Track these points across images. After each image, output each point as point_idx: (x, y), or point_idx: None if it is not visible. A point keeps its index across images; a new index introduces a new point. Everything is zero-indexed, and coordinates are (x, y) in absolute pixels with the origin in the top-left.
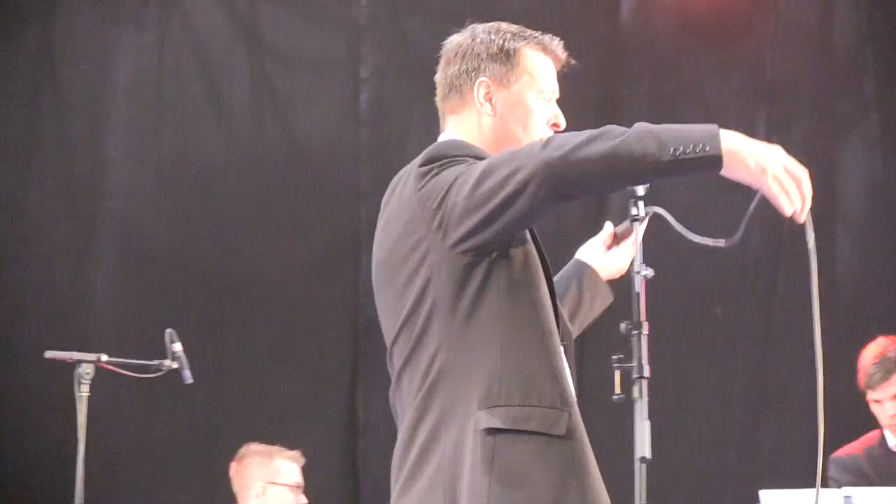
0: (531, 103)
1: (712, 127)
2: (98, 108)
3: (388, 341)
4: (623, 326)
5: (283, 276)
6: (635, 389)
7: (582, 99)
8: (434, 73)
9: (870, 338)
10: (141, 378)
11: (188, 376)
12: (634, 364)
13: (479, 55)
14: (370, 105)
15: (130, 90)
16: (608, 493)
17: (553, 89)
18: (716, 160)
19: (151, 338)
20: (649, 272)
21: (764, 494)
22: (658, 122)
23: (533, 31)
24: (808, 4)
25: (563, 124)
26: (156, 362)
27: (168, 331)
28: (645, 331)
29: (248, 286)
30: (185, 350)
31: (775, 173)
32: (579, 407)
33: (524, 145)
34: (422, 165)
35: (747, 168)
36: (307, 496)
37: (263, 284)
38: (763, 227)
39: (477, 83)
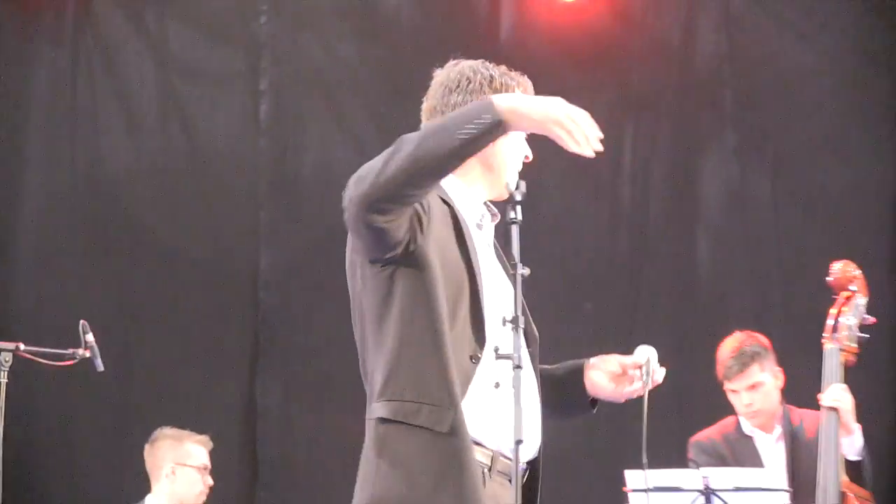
0: (517, 140)
1: (486, 98)
2: (17, 116)
3: None
4: (501, 320)
5: (188, 272)
6: (513, 378)
7: None
8: (326, 84)
9: (727, 332)
10: (56, 366)
11: (100, 364)
12: (514, 354)
13: (483, 88)
14: (268, 116)
15: (47, 100)
16: None
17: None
18: (499, 123)
19: (66, 329)
20: (525, 271)
21: (629, 474)
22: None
23: (511, 72)
24: (671, 25)
25: (530, 157)
26: (70, 351)
27: (81, 322)
28: (521, 325)
29: (157, 282)
30: (97, 340)
31: (557, 118)
32: None
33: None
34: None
35: (531, 120)
36: (212, 477)
37: (170, 280)
38: (630, 233)
39: None
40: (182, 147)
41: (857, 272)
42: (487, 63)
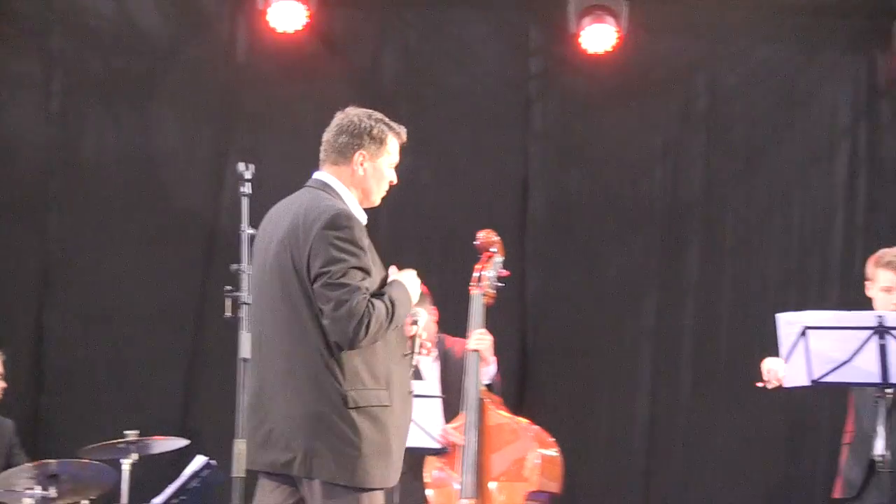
0: (385, 171)
1: (408, 293)
2: None
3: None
4: (233, 267)
5: None
6: (240, 310)
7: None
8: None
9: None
10: None
11: None
12: (242, 293)
13: (362, 135)
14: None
15: None
16: None
17: (397, 160)
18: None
19: None
20: (252, 231)
21: None
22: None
23: (391, 122)
24: (363, 52)
25: (395, 182)
26: None
27: None
28: (248, 271)
29: None
30: None
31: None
32: None
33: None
34: (325, 228)
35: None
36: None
37: None
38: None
39: (358, 153)
40: None
41: (497, 238)
42: (372, 114)
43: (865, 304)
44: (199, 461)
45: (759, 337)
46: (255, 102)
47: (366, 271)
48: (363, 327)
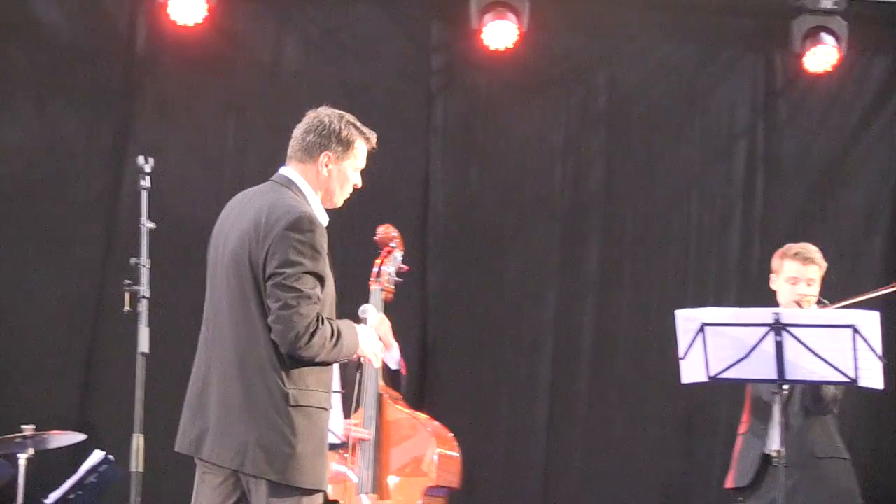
0: (350, 175)
1: (357, 341)
2: None
3: None
4: (132, 261)
5: None
6: (140, 305)
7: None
8: (7, 84)
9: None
10: None
11: None
12: (140, 287)
13: (330, 136)
14: None
15: None
16: None
17: (363, 165)
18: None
19: None
20: (152, 225)
21: None
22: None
23: (362, 126)
24: (263, 45)
25: (360, 186)
26: None
27: None
28: (147, 265)
29: None
30: None
31: (371, 352)
32: None
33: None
34: (288, 228)
35: (365, 351)
36: None
37: None
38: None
39: (324, 153)
40: None
41: (396, 233)
42: (344, 116)
43: (762, 301)
44: (96, 456)
45: (657, 333)
46: (155, 95)
47: (319, 278)
48: (307, 334)
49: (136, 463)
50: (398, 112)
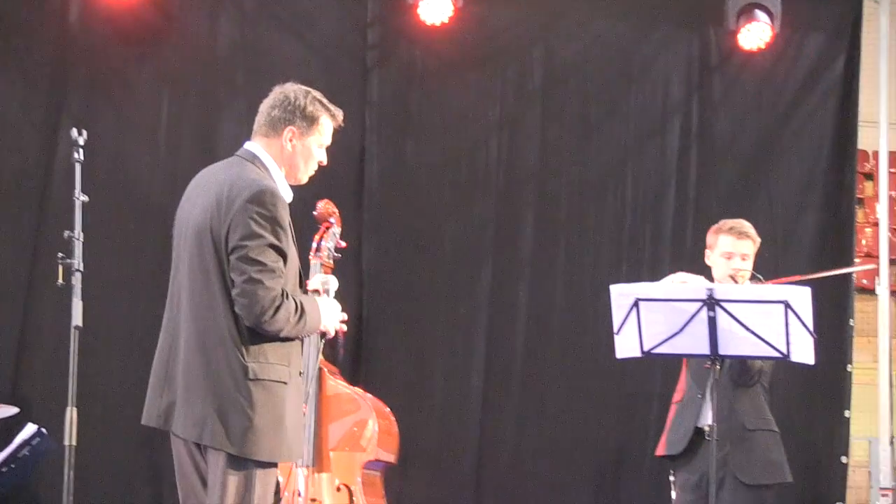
0: (314, 151)
1: (320, 316)
2: None
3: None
4: (66, 234)
5: None
6: (73, 278)
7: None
8: None
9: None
10: None
11: None
12: (74, 261)
13: (294, 112)
14: None
15: None
16: None
17: (328, 142)
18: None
19: None
20: (85, 198)
21: None
22: None
23: (329, 103)
24: (199, 20)
25: (325, 163)
26: None
27: None
28: (80, 238)
29: None
30: None
31: (333, 326)
32: None
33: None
34: (249, 202)
35: (327, 325)
36: None
37: None
38: (165, 177)
39: (288, 129)
40: None
41: (335, 209)
42: (310, 92)
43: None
44: (29, 430)
45: (592, 307)
46: (88, 69)
47: (281, 252)
48: (272, 308)
49: (70, 436)
50: (334, 86)
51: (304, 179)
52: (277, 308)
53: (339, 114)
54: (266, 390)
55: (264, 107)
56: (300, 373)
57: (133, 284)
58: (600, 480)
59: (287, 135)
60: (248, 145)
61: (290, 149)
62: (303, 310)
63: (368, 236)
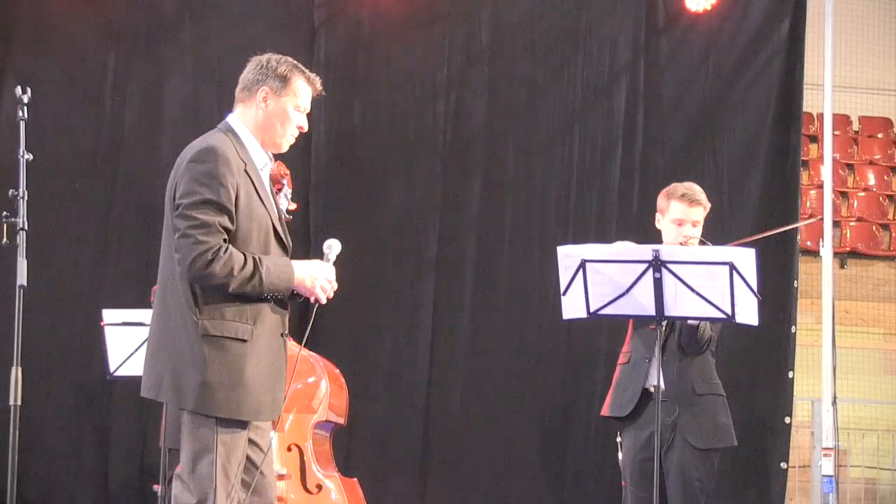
0: (290, 113)
1: (292, 273)
2: None
3: None
4: (10, 192)
5: None
6: (18, 237)
7: None
8: None
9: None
10: None
11: None
12: (18, 219)
13: (267, 72)
14: None
15: None
16: None
17: (306, 106)
18: (291, 290)
19: None
20: (29, 156)
21: None
22: None
23: (306, 69)
24: None
25: (306, 129)
26: None
27: None
28: (25, 197)
29: None
30: None
31: (318, 288)
32: None
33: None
34: (191, 161)
35: (305, 287)
36: None
37: None
38: (112, 133)
39: (261, 89)
40: None
41: (287, 170)
42: (287, 58)
43: (642, 237)
44: None
45: (538, 268)
46: (33, 26)
47: (220, 207)
48: (204, 262)
49: (15, 396)
50: (281, 45)
51: (283, 145)
52: (210, 262)
53: (317, 81)
54: (219, 347)
55: (242, 75)
56: (282, 334)
57: (78, 243)
58: (547, 440)
59: (261, 95)
60: (228, 117)
61: (263, 109)
62: (255, 267)
63: (315, 196)
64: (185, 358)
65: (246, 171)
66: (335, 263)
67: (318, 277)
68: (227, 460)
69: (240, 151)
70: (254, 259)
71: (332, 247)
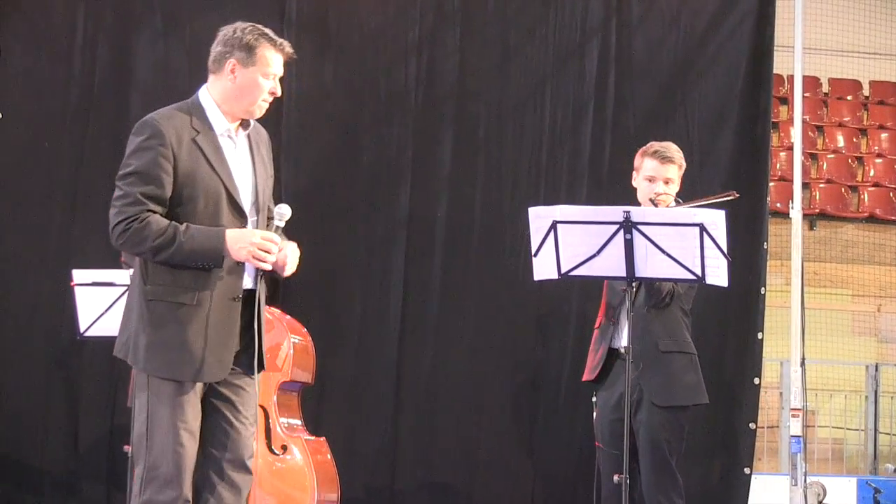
0: (260, 81)
1: (221, 241)
2: None
3: None
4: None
5: None
6: None
7: None
8: None
9: None
10: None
11: None
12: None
13: (233, 44)
14: None
15: None
16: None
17: (276, 73)
18: (221, 258)
19: None
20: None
21: None
22: None
23: (272, 34)
24: None
25: (278, 93)
26: None
27: None
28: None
29: None
30: None
31: (248, 254)
32: None
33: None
34: (132, 133)
35: (236, 254)
36: None
37: None
38: (81, 91)
39: (229, 61)
40: None
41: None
42: (254, 26)
43: (612, 198)
44: None
45: (509, 229)
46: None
47: (145, 177)
48: (119, 230)
49: None
50: (252, 5)
51: (256, 112)
52: (125, 230)
53: (286, 45)
54: (160, 310)
55: (213, 47)
56: (234, 298)
57: (47, 201)
58: (518, 402)
59: (228, 67)
60: (199, 89)
61: (232, 81)
62: (174, 235)
63: (286, 156)
64: (136, 321)
65: (195, 140)
66: (297, 231)
67: (244, 245)
68: (166, 419)
69: (193, 122)
70: (175, 228)
71: (283, 213)
